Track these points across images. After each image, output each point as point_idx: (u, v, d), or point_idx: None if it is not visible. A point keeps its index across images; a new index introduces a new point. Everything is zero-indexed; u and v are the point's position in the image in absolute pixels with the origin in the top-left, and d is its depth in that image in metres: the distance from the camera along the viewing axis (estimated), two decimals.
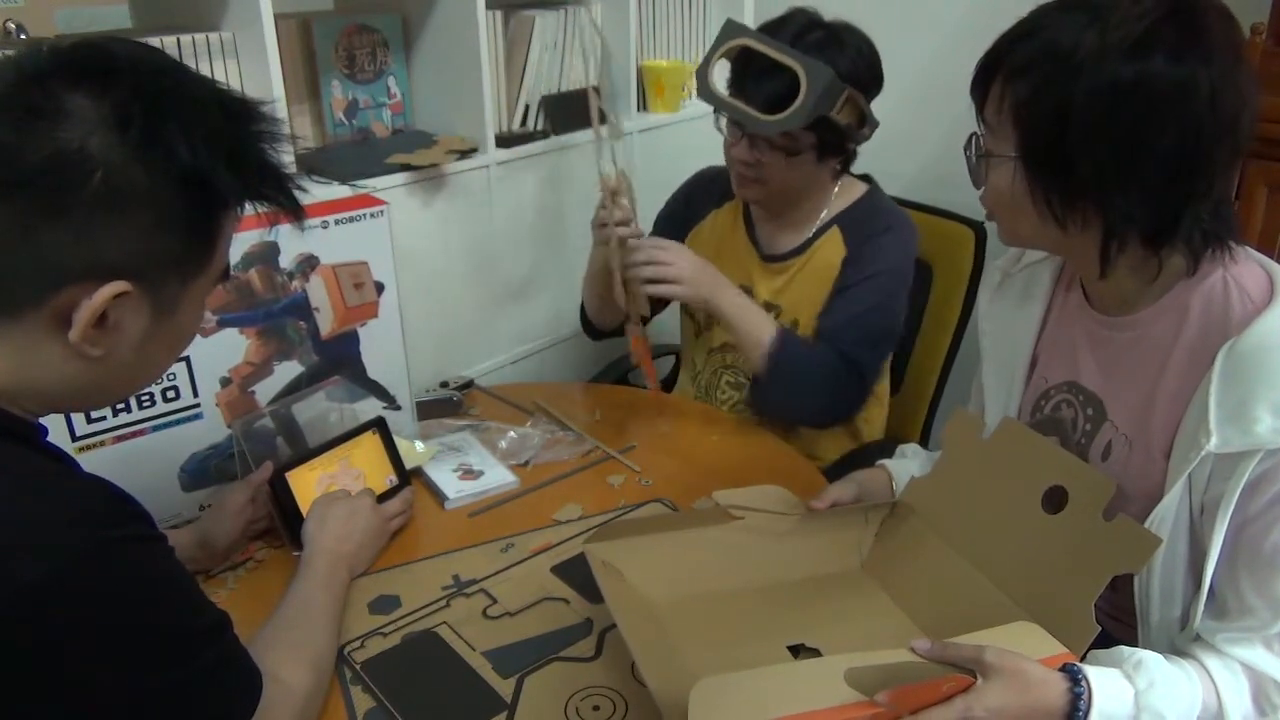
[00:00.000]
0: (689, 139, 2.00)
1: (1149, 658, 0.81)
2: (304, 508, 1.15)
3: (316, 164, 1.54)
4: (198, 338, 1.10)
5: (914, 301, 1.58)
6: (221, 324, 1.20)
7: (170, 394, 1.17)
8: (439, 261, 1.69)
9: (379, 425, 1.27)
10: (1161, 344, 0.91)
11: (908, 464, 1.19)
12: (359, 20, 1.62)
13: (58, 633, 0.65)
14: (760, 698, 0.75)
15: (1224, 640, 0.85)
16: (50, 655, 0.65)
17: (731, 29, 1.35)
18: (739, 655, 0.93)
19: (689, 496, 1.30)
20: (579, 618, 1.07)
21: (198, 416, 1.21)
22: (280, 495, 1.16)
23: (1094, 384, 0.98)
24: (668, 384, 1.83)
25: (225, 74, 1.39)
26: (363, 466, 1.24)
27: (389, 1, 1.67)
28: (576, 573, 1.13)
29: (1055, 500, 0.90)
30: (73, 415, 1.10)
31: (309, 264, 1.26)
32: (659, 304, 1.52)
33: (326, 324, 1.31)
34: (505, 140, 1.75)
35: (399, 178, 1.57)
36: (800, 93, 1.28)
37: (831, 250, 1.48)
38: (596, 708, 0.94)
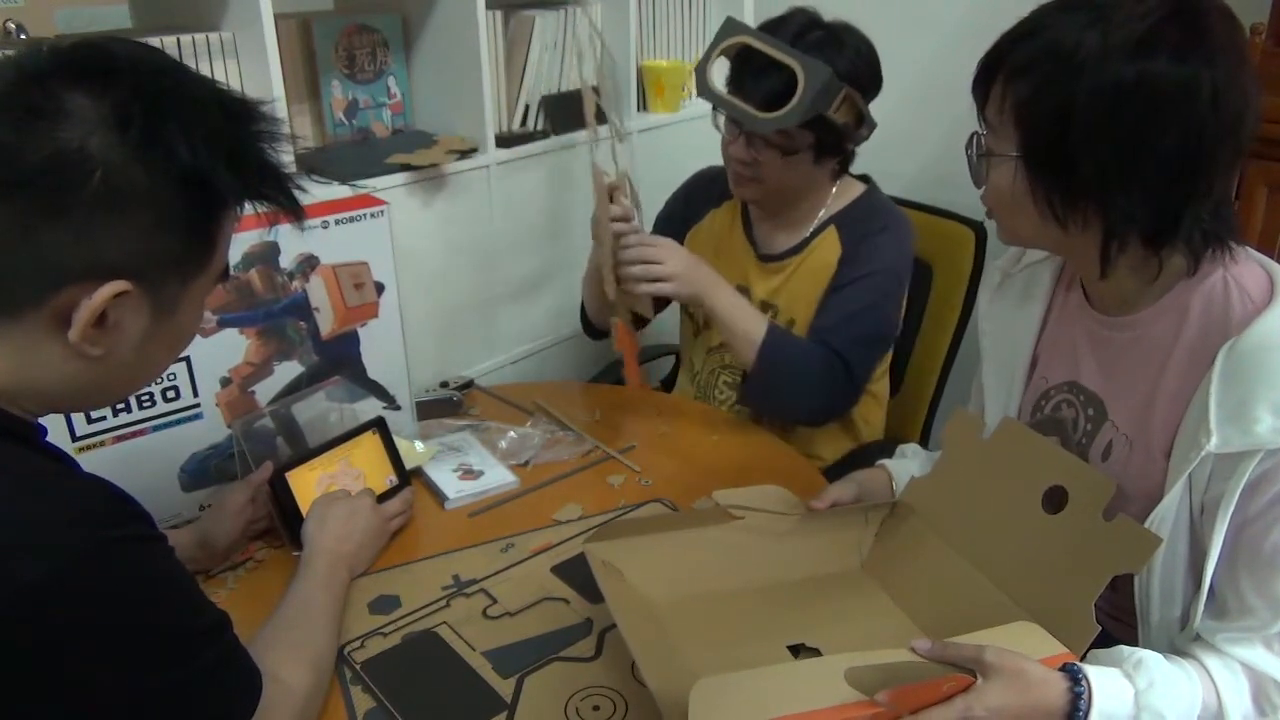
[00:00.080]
0: (689, 139, 2.00)
1: (1149, 657, 0.81)
2: (304, 508, 1.15)
3: (316, 164, 1.54)
4: (198, 338, 1.10)
5: (914, 301, 1.58)
6: (221, 324, 1.20)
7: (170, 394, 1.17)
8: (439, 261, 1.69)
9: (379, 425, 1.27)
10: (1162, 344, 0.91)
11: (908, 464, 1.19)
12: (359, 20, 1.62)
13: (58, 633, 0.65)
14: (760, 698, 0.75)
15: (1224, 640, 0.85)
16: (50, 655, 0.64)
17: (731, 27, 1.35)
18: (739, 655, 0.93)
19: (689, 496, 1.30)
20: (579, 618, 1.07)
21: (198, 416, 1.21)
22: (280, 495, 1.16)
23: (1094, 384, 0.98)
24: (668, 384, 1.83)
25: (225, 74, 1.39)
26: (363, 466, 1.24)
27: (389, 1, 1.67)
28: (576, 573, 1.13)
29: (1055, 500, 0.90)
30: (73, 415, 1.10)
31: (309, 264, 1.26)
32: (660, 304, 1.52)
33: (326, 324, 1.31)
34: (505, 140, 1.75)
35: (399, 178, 1.57)
36: (797, 91, 1.28)
37: (828, 250, 1.48)
38: (596, 708, 0.94)
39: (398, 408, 1.41)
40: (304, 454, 1.21)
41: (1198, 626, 0.87)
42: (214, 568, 1.14)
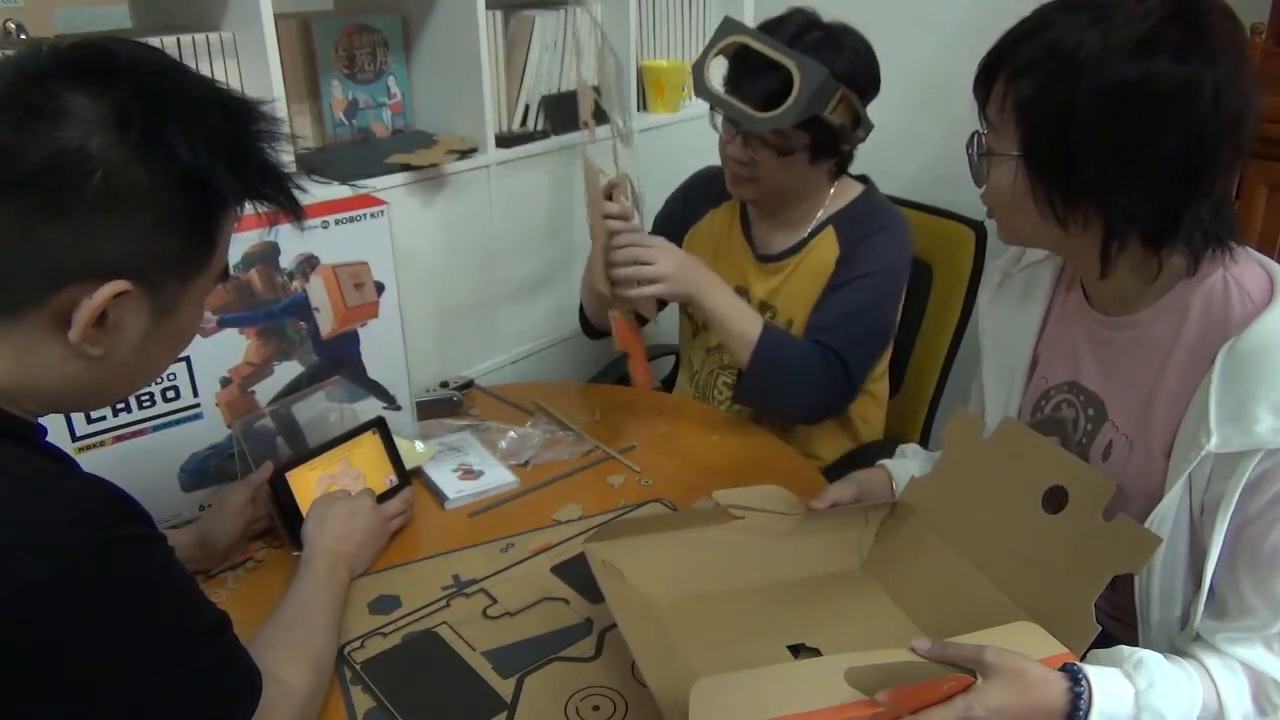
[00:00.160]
0: (689, 139, 1.99)
1: (1149, 657, 0.81)
2: (304, 508, 1.15)
3: (316, 164, 1.54)
4: (198, 338, 1.10)
5: (914, 301, 1.58)
6: (221, 324, 1.20)
7: (170, 394, 1.17)
8: (439, 261, 1.69)
9: (379, 425, 1.27)
10: (1162, 344, 0.91)
11: (908, 464, 1.19)
12: (359, 20, 1.62)
13: (58, 633, 0.65)
14: (760, 697, 0.75)
15: (1224, 640, 0.85)
16: (50, 655, 0.64)
17: (728, 26, 1.35)
18: (739, 655, 0.93)
19: (689, 496, 1.30)
20: (579, 618, 1.07)
21: (198, 416, 1.21)
22: (280, 495, 1.16)
23: (1094, 384, 0.98)
24: (668, 384, 1.83)
25: (225, 74, 1.39)
26: (363, 466, 1.24)
27: (389, 1, 1.67)
28: (576, 573, 1.13)
29: (1055, 500, 0.90)
30: (73, 415, 1.10)
31: (309, 264, 1.26)
32: (663, 303, 1.52)
33: (326, 324, 1.31)
34: (505, 140, 1.75)
35: (399, 178, 1.57)
36: (793, 91, 1.28)
37: (826, 250, 1.48)
38: (596, 708, 0.94)
39: (398, 408, 1.41)
40: (304, 454, 1.21)
41: (1198, 626, 0.87)
42: (214, 568, 1.14)
